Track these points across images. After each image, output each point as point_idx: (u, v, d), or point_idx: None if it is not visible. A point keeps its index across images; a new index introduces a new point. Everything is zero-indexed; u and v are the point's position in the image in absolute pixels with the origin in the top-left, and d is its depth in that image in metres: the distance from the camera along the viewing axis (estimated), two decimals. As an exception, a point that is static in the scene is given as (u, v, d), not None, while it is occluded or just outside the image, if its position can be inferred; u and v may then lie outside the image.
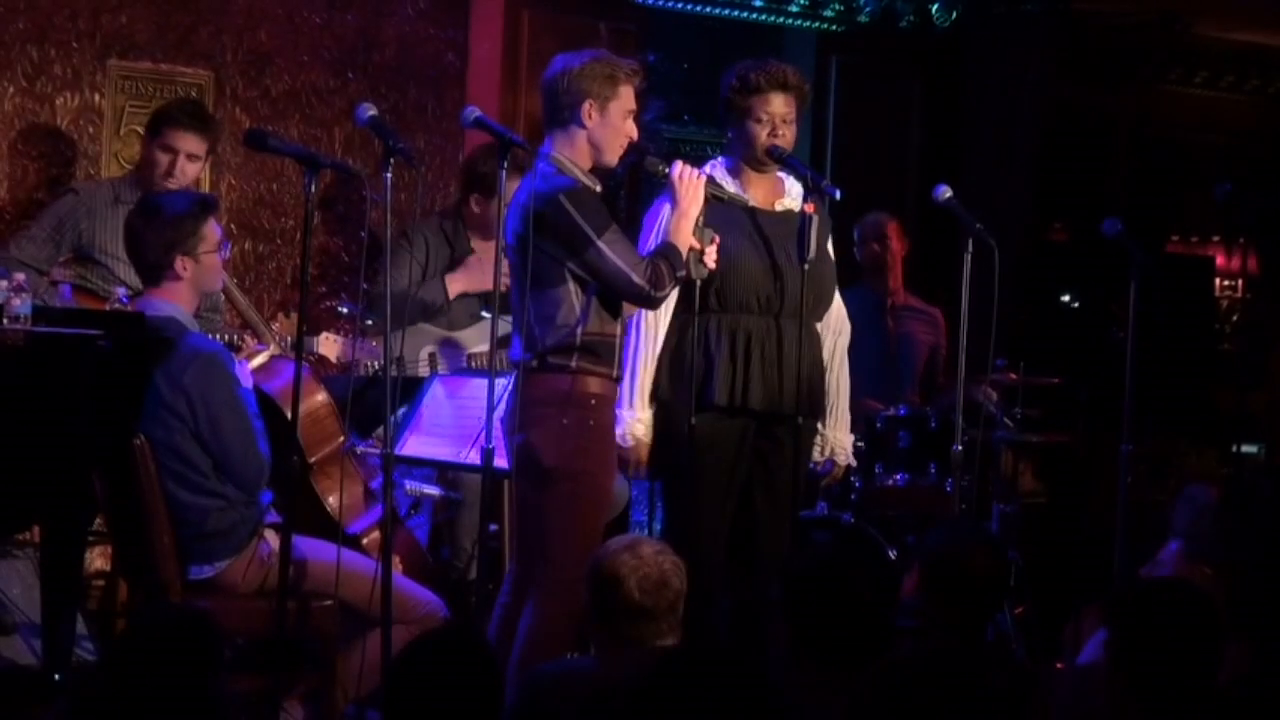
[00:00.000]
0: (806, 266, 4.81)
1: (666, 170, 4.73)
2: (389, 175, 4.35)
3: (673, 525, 5.00)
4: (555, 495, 4.49)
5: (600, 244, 4.47)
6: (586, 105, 4.54)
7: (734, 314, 4.90)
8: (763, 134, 4.92)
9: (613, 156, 4.61)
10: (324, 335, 5.41)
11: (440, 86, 6.62)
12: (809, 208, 4.83)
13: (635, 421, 4.84)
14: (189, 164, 5.45)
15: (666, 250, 4.60)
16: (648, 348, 4.86)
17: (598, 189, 4.59)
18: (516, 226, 4.51)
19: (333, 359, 5.44)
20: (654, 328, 4.87)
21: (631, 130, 4.61)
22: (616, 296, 4.55)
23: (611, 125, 4.57)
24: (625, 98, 4.58)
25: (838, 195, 4.88)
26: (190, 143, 5.43)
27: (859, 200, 5.03)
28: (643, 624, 3.66)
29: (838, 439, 5.12)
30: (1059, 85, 7.98)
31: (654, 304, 4.63)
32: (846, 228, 6.38)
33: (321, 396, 5.10)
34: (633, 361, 4.84)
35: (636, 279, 4.50)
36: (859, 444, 6.09)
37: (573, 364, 4.52)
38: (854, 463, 5.28)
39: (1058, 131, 8.10)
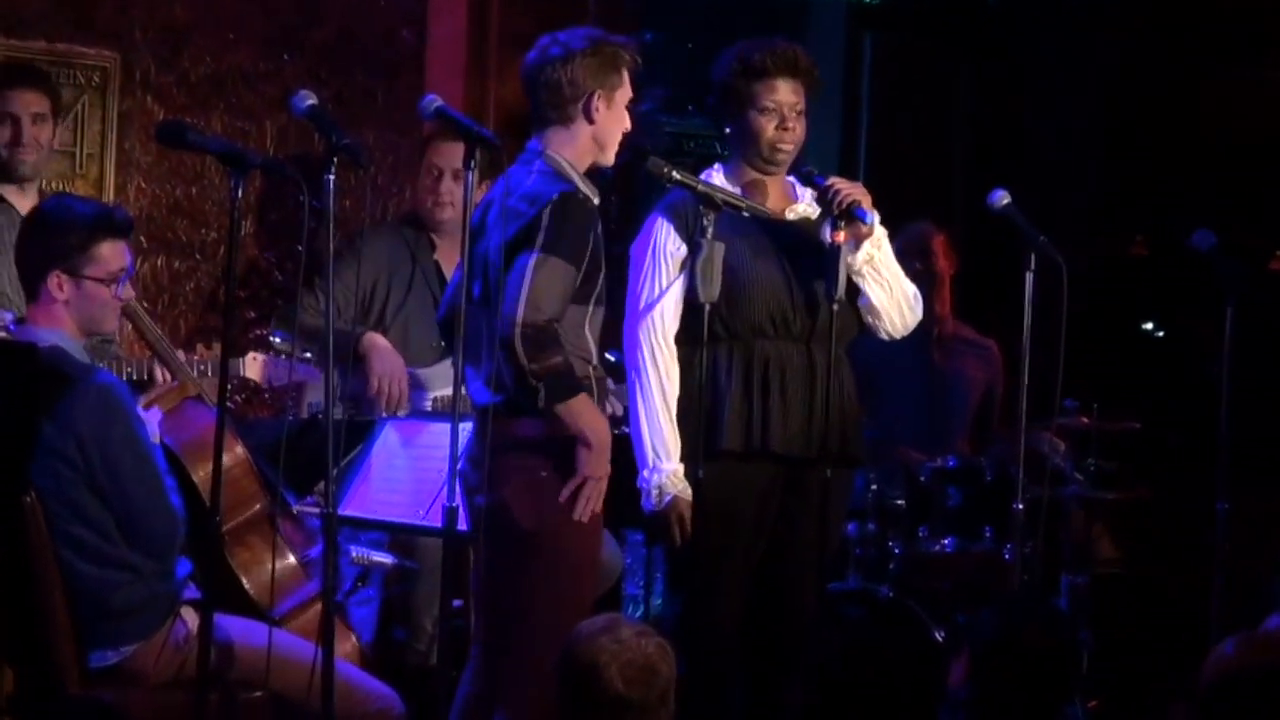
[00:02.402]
0: (836, 306, 4.84)
1: (671, 173, 4.75)
2: (332, 177, 4.37)
3: (677, 598, 5.01)
4: (536, 565, 4.46)
5: (536, 257, 4.35)
6: (595, 98, 4.55)
7: (746, 340, 4.93)
8: (769, 127, 4.96)
9: (613, 154, 4.63)
10: (251, 355, 5.42)
11: (393, 70, 6.64)
12: (838, 237, 4.85)
13: (673, 475, 4.85)
14: (37, 128, 5.59)
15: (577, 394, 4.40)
16: (663, 389, 4.88)
17: (596, 200, 4.57)
18: (501, 234, 4.43)
19: (259, 380, 5.45)
20: (663, 365, 4.88)
21: (628, 122, 4.65)
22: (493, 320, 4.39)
23: (616, 119, 4.60)
24: (628, 85, 4.62)
25: (870, 220, 4.89)
26: (33, 101, 5.59)
27: (897, 208, 5.04)
28: (629, 719, 3.68)
29: None
30: (1136, 68, 8.01)
31: (510, 359, 4.32)
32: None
33: (237, 450, 5.07)
34: (647, 409, 4.87)
35: (522, 317, 4.30)
36: (898, 502, 6.11)
37: None
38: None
39: (1135, 124, 8.13)
